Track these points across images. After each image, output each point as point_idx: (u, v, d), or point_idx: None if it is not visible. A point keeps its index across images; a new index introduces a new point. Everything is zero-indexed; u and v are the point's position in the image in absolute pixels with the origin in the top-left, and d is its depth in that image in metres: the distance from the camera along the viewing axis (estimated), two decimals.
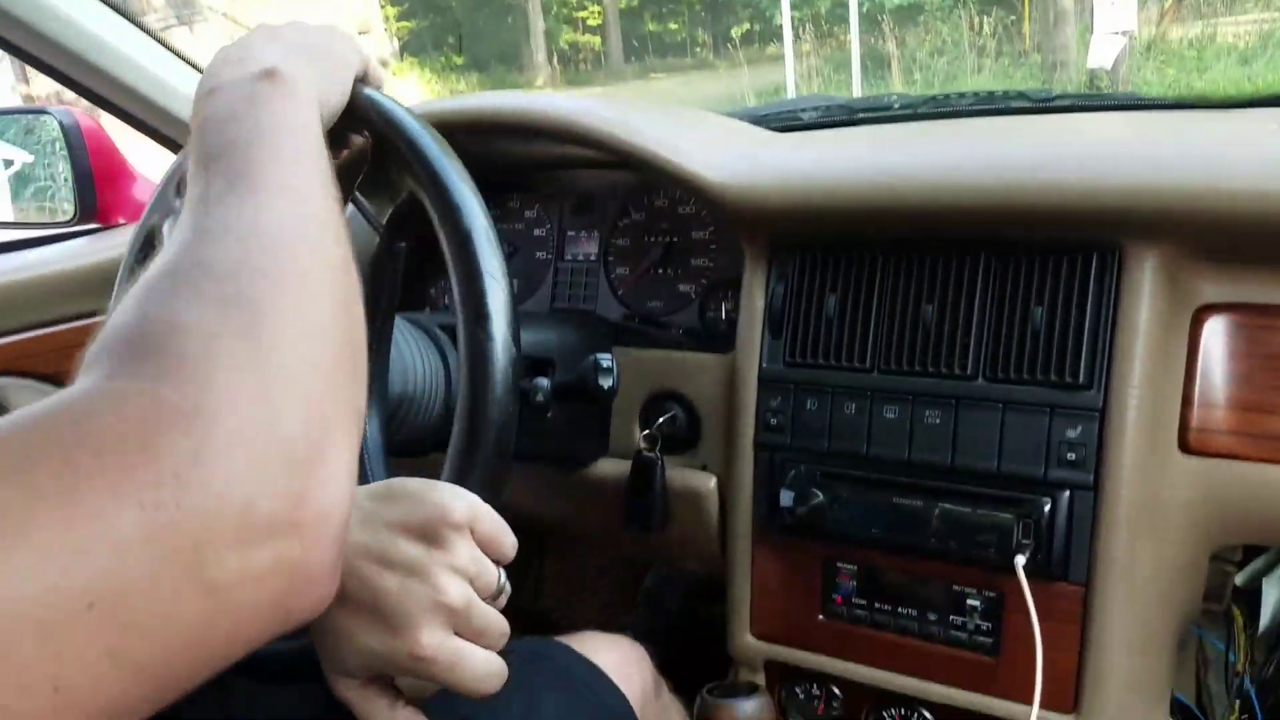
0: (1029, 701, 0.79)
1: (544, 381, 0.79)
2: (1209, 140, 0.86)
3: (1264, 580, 1.00)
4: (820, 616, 0.90)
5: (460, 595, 0.55)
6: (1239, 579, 1.00)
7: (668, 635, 1.45)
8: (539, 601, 1.70)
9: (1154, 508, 0.77)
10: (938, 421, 0.81)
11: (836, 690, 0.95)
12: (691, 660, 1.49)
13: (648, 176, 0.97)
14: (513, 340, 0.63)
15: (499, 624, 0.58)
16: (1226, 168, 0.72)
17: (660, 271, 1.04)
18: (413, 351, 0.80)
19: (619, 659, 0.89)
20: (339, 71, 0.65)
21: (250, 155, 0.51)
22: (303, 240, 0.47)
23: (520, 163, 1.13)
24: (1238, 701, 1.09)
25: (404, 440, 0.81)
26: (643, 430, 0.97)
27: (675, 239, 1.03)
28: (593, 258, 1.09)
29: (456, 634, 0.56)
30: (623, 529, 0.96)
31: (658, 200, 1.05)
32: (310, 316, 0.44)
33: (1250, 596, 1.03)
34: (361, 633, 0.55)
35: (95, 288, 1.22)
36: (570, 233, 1.12)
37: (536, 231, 1.16)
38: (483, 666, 0.56)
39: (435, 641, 0.54)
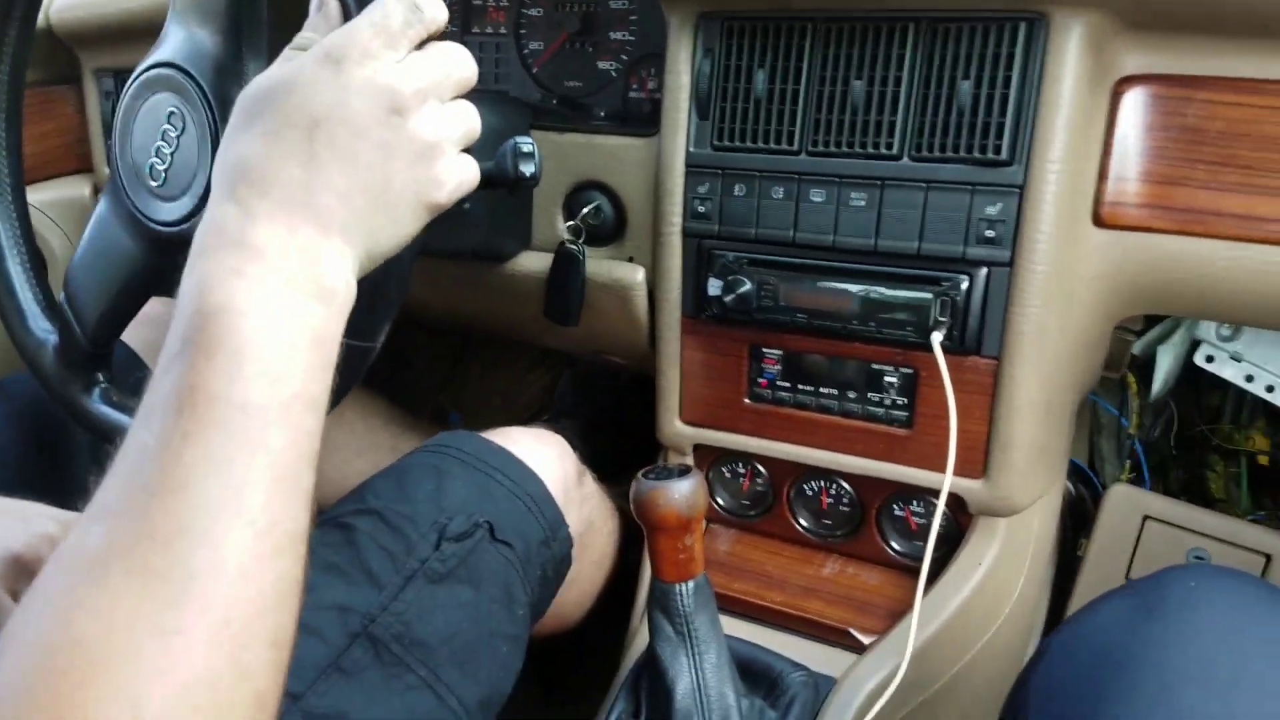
0: (940, 470, 0.83)
1: None
2: None
3: (1159, 348, 1.05)
4: (746, 400, 0.92)
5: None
6: (1136, 348, 1.05)
7: (592, 431, 1.48)
8: (459, 403, 1.71)
9: (1067, 282, 0.79)
10: (863, 204, 0.81)
11: (761, 468, 0.99)
12: (616, 453, 1.53)
13: None
14: None
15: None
16: None
17: (577, 46, 0.98)
18: None
19: (536, 447, 0.90)
20: (400, 202, 0.58)
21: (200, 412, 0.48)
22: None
23: None
24: (1128, 461, 1.17)
25: None
26: (566, 221, 0.95)
27: (593, 8, 0.97)
28: (503, 31, 1.02)
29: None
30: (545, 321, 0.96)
31: None
32: None
33: (1144, 364, 1.09)
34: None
35: None
36: (477, 2, 1.03)
37: None
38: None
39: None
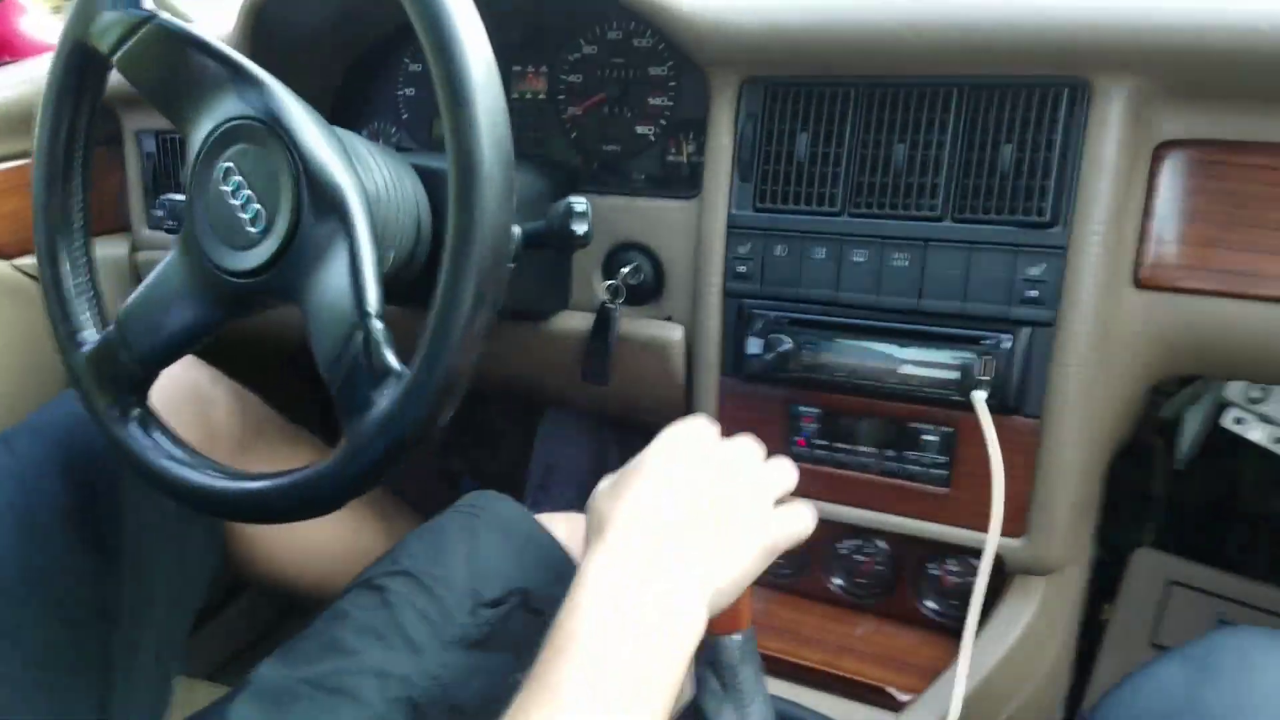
0: (979, 528, 0.83)
1: (515, 228, 0.76)
2: None
3: (1186, 410, 1.06)
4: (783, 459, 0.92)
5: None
6: (1164, 411, 1.06)
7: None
8: (470, 467, 1.70)
9: (1107, 342, 0.80)
10: (906, 264, 0.83)
11: None
12: None
13: (603, 6, 0.92)
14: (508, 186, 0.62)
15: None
16: (1198, 1, 0.73)
17: (616, 112, 1.00)
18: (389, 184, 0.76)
19: (559, 522, 0.91)
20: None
21: None
22: None
23: None
24: (1152, 524, 1.17)
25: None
26: (605, 281, 0.96)
27: (632, 74, 0.99)
28: (542, 96, 1.04)
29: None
30: (581, 381, 0.96)
31: (611, 32, 0.99)
32: None
33: (1170, 427, 1.10)
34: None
35: None
36: (516, 68, 1.05)
37: None
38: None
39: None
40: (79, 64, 0.75)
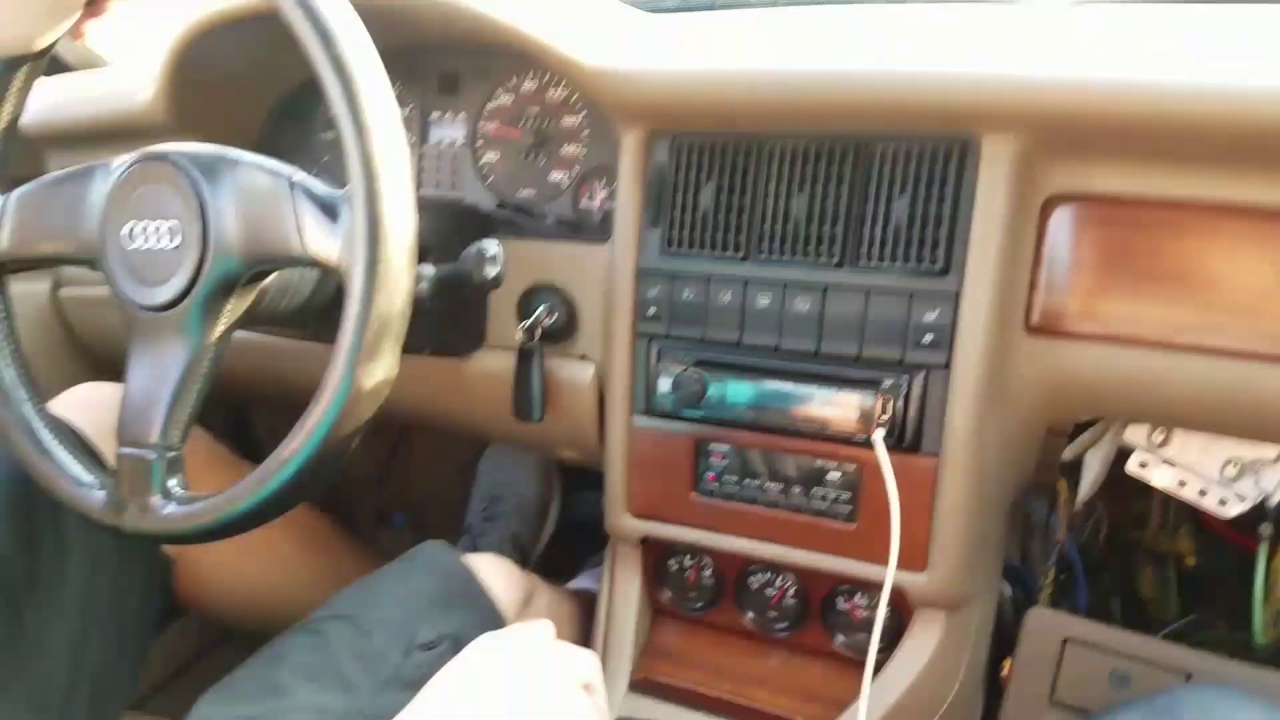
0: (882, 562, 0.86)
1: (427, 268, 0.76)
2: (1066, 34, 0.89)
3: (1087, 453, 1.09)
4: (693, 494, 0.94)
5: None
6: (1066, 453, 1.09)
7: (530, 525, 1.49)
8: (401, 503, 1.71)
9: (1001, 385, 0.83)
10: (806, 308, 0.85)
11: (709, 560, 1.01)
12: (566, 545, 1.54)
13: (518, 58, 0.94)
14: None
15: None
16: (1082, 62, 0.76)
17: (530, 158, 1.02)
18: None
19: (485, 568, 0.94)
20: None
21: None
22: None
23: (378, 40, 1.09)
24: (1053, 565, 1.20)
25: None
26: (520, 321, 0.98)
27: (546, 124, 1.02)
28: (459, 142, 1.07)
29: None
30: (514, 418, 0.98)
31: (527, 82, 1.02)
32: None
33: (1074, 469, 1.13)
34: None
35: None
36: (434, 114, 1.08)
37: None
38: None
39: None
40: None
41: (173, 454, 0.72)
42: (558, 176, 1.01)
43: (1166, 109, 0.71)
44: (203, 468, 0.99)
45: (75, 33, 0.79)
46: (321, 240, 0.65)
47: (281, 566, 1.09)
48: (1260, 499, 0.97)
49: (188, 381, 0.71)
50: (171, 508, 0.70)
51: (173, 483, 0.72)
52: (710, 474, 0.94)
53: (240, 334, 0.74)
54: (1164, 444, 1.02)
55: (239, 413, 1.52)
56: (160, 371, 0.71)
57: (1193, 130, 0.72)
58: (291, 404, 0.72)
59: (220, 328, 0.71)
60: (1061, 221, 0.82)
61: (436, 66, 1.06)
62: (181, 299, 0.69)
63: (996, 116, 0.77)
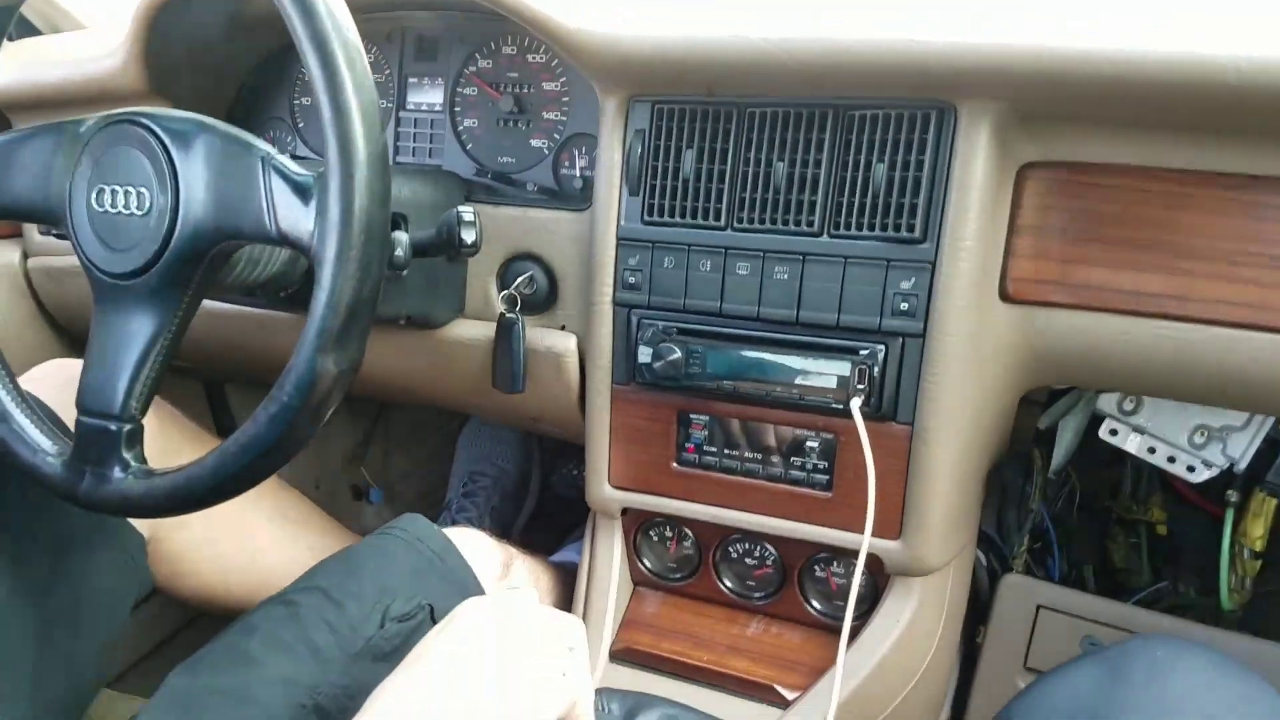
0: (859, 531, 0.87)
1: (403, 236, 0.76)
2: (1045, 2, 0.91)
3: (1060, 423, 1.11)
4: (674, 464, 0.95)
5: None
6: (1041, 422, 1.10)
7: (510, 498, 1.49)
8: (377, 477, 1.70)
9: (976, 353, 0.84)
10: (785, 277, 0.86)
11: (688, 530, 1.02)
12: (539, 518, 1.54)
13: (498, 21, 0.93)
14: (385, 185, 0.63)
15: None
16: (1058, 30, 0.76)
17: (510, 125, 1.02)
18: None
19: (465, 540, 0.94)
20: None
21: None
22: None
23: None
24: (1028, 533, 1.22)
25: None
26: (500, 291, 0.98)
27: (526, 89, 1.01)
28: (437, 108, 1.05)
29: None
30: (494, 388, 0.98)
31: (506, 47, 1.01)
32: None
33: (1048, 437, 1.15)
34: None
35: None
36: (412, 80, 1.06)
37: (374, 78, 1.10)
38: None
39: None
40: None
41: (131, 425, 0.71)
42: (538, 143, 1.00)
43: (1139, 76, 0.72)
44: (173, 443, 0.99)
45: None
46: (292, 221, 0.64)
47: (257, 544, 1.08)
48: (1228, 465, 0.99)
49: (151, 352, 0.70)
50: (130, 480, 0.70)
51: (131, 454, 0.71)
52: (690, 445, 0.94)
53: (212, 304, 0.73)
54: (1134, 411, 1.03)
55: (216, 389, 1.51)
56: (124, 340, 0.70)
57: (1165, 98, 0.73)
58: (264, 379, 0.71)
59: (187, 298, 0.70)
60: (1037, 189, 0.83)
61: (414, 30, 1.05)
62: (149, 268, 0.68)
63: (974, 83, 0.78)
